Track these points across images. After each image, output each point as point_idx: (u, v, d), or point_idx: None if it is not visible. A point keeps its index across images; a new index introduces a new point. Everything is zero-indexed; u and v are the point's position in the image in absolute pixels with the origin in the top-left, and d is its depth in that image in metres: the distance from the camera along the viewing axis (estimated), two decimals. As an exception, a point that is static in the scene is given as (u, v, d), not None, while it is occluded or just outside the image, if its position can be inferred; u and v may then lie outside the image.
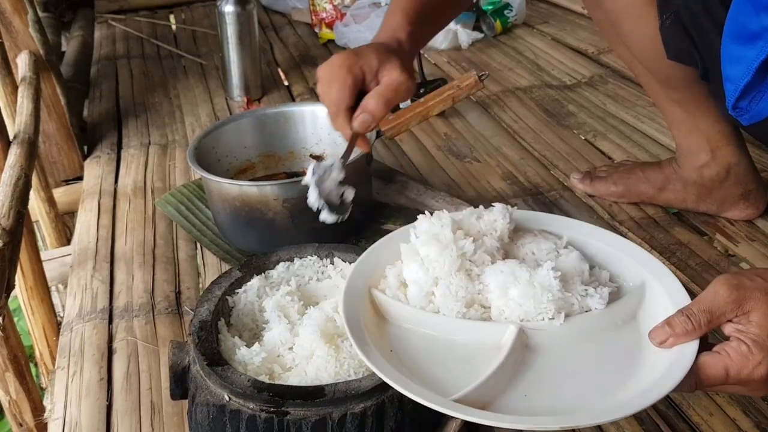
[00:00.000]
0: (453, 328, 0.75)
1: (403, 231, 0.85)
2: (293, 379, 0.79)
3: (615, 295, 0.79)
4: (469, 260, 0.77)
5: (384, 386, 0.74)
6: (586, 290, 0.76)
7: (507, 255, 0.81)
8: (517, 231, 0.85)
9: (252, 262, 0.94)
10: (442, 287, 0.76)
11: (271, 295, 0.92)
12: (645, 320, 0.75)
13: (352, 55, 0.87)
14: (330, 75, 0.87)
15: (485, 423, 0.65)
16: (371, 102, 0.86)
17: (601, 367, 0.72)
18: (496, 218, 0.82)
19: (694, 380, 0.67)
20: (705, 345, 0.69)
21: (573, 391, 0.70)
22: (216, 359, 0.78)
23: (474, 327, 0.74)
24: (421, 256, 0.78)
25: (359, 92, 0.87)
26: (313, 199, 0.85)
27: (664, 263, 0.81)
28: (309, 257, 0.95)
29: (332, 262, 0.95)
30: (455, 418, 0.82)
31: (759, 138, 1.23)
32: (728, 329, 0.67)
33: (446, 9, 1.05)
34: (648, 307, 0.76)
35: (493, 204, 0.84)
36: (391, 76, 0.86)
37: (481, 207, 0.85)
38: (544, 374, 0.71)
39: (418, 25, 0.94)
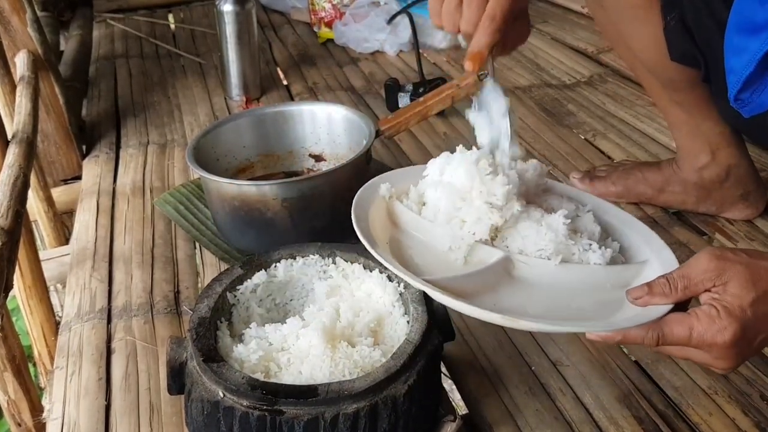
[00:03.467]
0: (451, 242, 0.82)
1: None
2: (288, 378, 0.79)
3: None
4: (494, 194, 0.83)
5: (378, 388, 0.74)
6: (590, 245, 0.81)
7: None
8: (548, 192, 0.90)
9: (254, 260, 0.94)
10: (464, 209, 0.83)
11: (273, 295, 0.92)
12: None
13: None
14: None
15: (437, 297, 0.74)
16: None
17: (571, 310, 0.76)
18: (527, 169, 0.89)
19: (657, 333, 0.68)
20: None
21: (537, 312, 0.75)
22: (212, 356, 0.78)
23: (468, 244, 0.81)
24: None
25: None
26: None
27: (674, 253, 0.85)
28: (311, 256, 0.95)
29: (334, 262, 0.95)
30: (451, 421, 0.83)
31: (754, 139, 1.24)
32: (704, 298, 0.68)
33: None
34: (642, 281, 0.78)
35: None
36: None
37: (519, 161, 0.90)
38: (518, 299, 0.76)
39: None
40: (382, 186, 0.92)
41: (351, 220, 0.85)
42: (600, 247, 0.82)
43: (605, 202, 0.97)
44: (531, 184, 0.88)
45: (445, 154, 0.90)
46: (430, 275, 0.78)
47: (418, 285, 0.76)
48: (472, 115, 0.90)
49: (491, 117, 0.88)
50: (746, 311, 0.66)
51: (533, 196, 0.88)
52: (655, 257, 0.84)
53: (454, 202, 0.84)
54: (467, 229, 0.83)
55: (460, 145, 0.90)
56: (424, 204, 0.89)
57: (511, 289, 0.78)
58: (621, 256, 0.86)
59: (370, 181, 0.92)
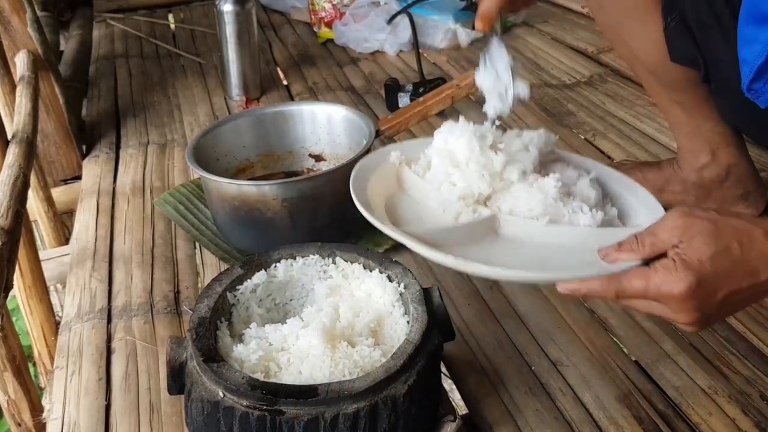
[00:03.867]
0: (442, 205, 0.86)
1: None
2: (288, 378, 0.79)
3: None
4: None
5: (378, 388, 0.74)
6: (580, 207, 0.82)
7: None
8: (556, 161, 0.93)
9: (254, 260, 0.94)
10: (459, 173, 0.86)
11: (273, 295, 0.93)
12: None
13: None
14: None
15: (403, 241, 0.77)
16: None
17: (550, 267, 0.77)
18: (534, 137, 0.91)
19: (616, 285, 0.70)
20: None
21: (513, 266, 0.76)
22: (212, 356, 0.78)
23: (460, 206, 0.85)
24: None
25: None
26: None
27: None
28: (311, 256, 0.95)
29: (334, 262, 0.95)
30: (451, 421, 0.83)
31: (755, 138, 1.24)
32: (670, 253, 0.69)
33: None
34: None
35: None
36: None
37: (526, 130, 0.93)
38: (499, 254, 0.79)
39: None
40: (392, 153, 0.94)
41: (350, 220, 0.86)
42: (591, 210, 0.83)
43: (613, 170, 0.97)
44: (534, 151, 0.91)
45: (449, 123, 0.92)
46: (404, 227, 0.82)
47: (386, 229, 0.78)
48: (479, 77, 0.93)
49: (497, 72, 0.91)
50: (704, 264, 0.66)
51: (539, 164, 0.90)
52: (648, 221, 0.83)
53: (446, 169, 0.87)
54: (456, 193, 0.85)
55: (461, 117, 0.92)
56: (429, 169, 0.92)
57: (496, 245, 0.80)
58: (619, 222, 0.87)
59: (381, 148, 0.97)
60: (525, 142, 0.90)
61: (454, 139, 0.89)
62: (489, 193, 0.85)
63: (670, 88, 1.17)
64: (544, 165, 0.90)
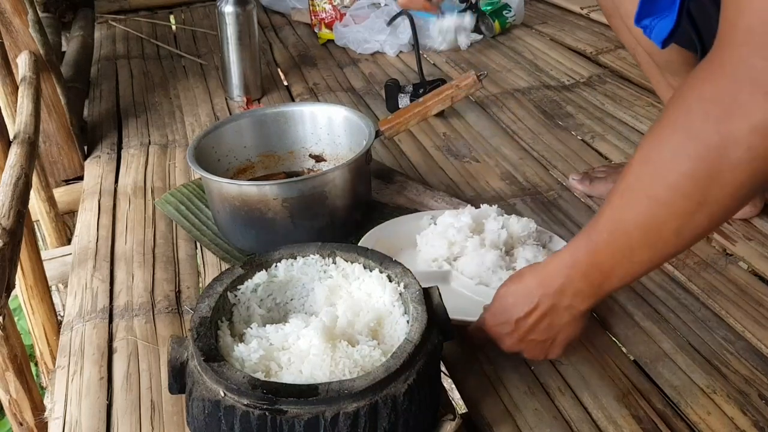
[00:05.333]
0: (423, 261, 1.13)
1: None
2: (288, 377, 0.79)
3: None
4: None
5: (378, 387, 0.75)
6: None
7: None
8: (534, 244, 1.12)
9: (254, 260, 0.94)
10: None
11: (274, 294, 0.93)
12: None
13: None
14: None
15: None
16: None
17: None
18: (514, 223, 1.13)
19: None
20: None
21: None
22: (213, 355, 0.79)
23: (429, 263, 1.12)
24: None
25: None
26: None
27: None
28: (311, 256, 0.95)
29: (334, 262, 0.95)
30: (450, 420, 0.84)
31: None
32: None
33: None
34: None
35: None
36: None
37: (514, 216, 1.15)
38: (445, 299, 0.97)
39: None
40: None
41: (350, 220, 0.85)
42: None
43: None
44: (515, 235, 1.11)
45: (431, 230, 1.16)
46: None
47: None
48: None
49: None
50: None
51: (516, 244, 1.11)
52: None
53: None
54: (427, 256, 1.12)
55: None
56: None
57: (445, 292, 0.95)
58: None
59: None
60: (502, 224, 1.11)
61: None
62: (448, 256, 1.10)
63: (667, 71, 1.17)
64: (521, 245, 1.11)
